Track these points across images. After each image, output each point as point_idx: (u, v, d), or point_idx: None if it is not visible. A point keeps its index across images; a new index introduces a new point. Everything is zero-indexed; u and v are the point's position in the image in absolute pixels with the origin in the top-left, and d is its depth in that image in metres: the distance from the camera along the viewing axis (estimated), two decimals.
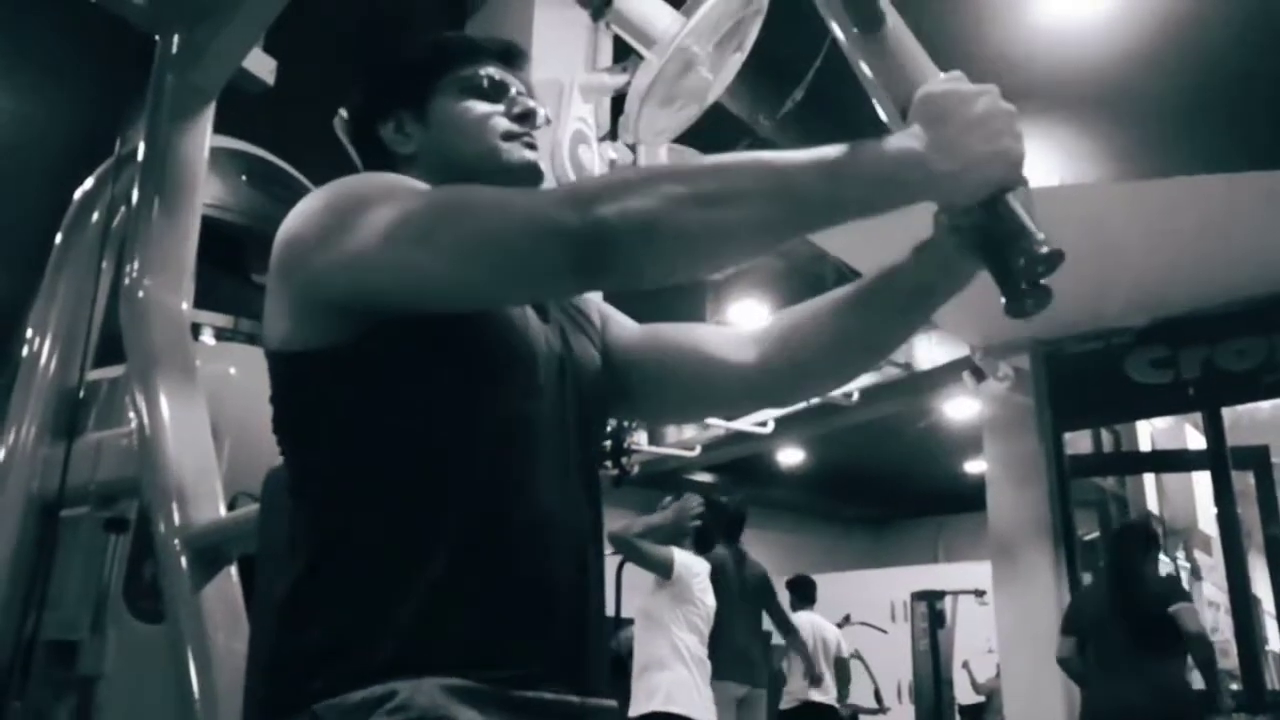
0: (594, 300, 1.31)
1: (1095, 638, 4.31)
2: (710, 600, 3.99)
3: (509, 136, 1.17)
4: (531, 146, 1.18)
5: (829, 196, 0.94)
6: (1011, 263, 0.97)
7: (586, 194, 0.92)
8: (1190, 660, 4.20)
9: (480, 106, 1.17)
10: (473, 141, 1.16)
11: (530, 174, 1.18)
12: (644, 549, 3.93)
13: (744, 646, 4.54)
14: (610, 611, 4.22)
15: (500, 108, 1.18)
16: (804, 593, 6.29)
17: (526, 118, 1.18)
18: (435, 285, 0.95)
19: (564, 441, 1.09)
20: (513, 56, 1.23)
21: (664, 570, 3.91)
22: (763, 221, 0.93)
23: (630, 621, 4.80)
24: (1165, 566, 6.69)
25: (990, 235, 0.98)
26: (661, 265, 0.94)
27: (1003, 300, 1.00)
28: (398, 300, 0.97)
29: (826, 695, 5.90)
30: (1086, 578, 5.60)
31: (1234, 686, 5.43)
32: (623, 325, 1.29)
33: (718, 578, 4.20)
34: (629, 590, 5.68)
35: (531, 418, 1.06)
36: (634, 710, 3.80)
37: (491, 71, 1.19)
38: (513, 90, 1.20)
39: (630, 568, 5.66)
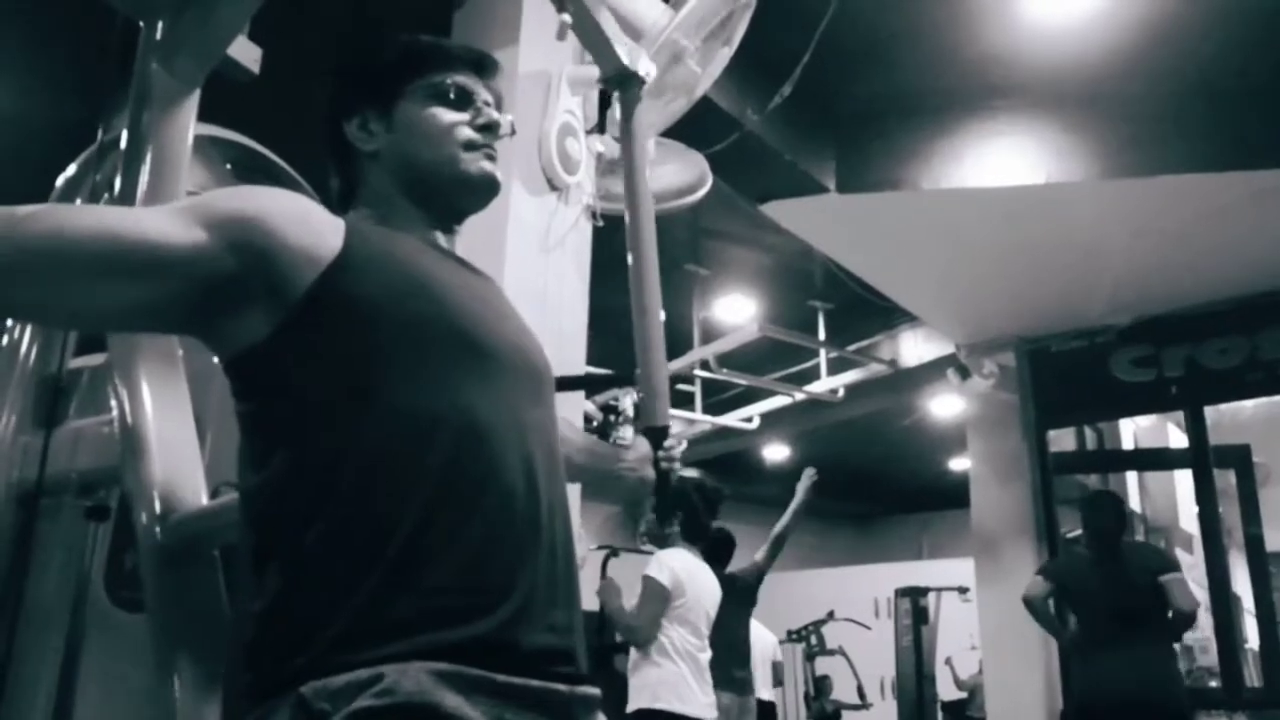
0: None
1: (1082, 612, 4.27)
2: (705, 595, 3.88)
3: (470, 146, 1.19)
4: (491, 158, 1.20)
5: None
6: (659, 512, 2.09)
7: None
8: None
9: (445, 114, 1.19)
10: (434, 148, 1.18)
11: (487, 184, 1.20)
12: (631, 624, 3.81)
13: (733, 654, 4.49)
14: (595, 607, 4.18)
15: (465, 116, 1.20)
16: None
17: (490, 129, 1.21)
18: None
19: (518, 414, 1.09)
20: (485, 67, 1.25)
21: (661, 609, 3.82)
22: None
23: None
24: None
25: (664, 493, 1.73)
26: None
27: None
28: None
29: (767, 692, 5.94)
30: None
31: (1213, 684, 5.47)
32: None
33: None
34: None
35: (479, 392, 1.06)
36: (629, 707, 3.78)
37: (460, 80, 1.21)
38: (479, 100, 1.22)
39: (614, 563, 5.65)
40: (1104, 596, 4.13)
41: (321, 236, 1.05)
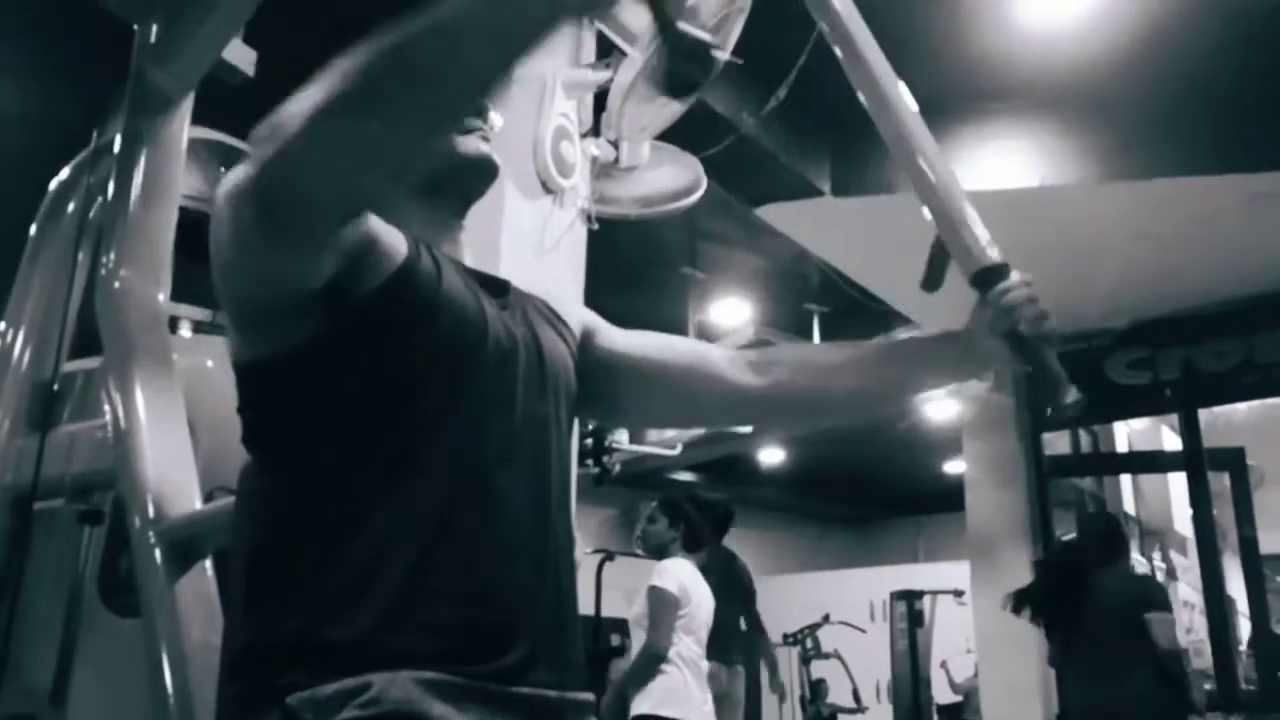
0: (577, 307, 1.32)
1: (1067, 636, 4.27)
2: (705, 603, 3.93)
3: (463, 130, 1.17)
4: (486, 139, 1.19)
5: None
6: (1046, 395, 1.17)
7: (258, 143, 0.91)
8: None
9: None
10: None
11: (485, 166, 1.19)
12: (644, 668, 3.78)
13: (725, 635, 4.53)
14: (591, 611, 4.17)
15: None
16: None
17: (479, 113, 1.19)
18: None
19: (536, 435, 1.09)
20: None
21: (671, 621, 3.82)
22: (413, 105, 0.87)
23: (615, 621, 4.77)
24: (1141, 567, 6.75)
25: (1035, 364, 1.16)
26: (332, 188, 0.90)
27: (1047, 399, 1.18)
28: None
29: None
30: None
31: (1208, 686, 5.47)
32: (613, 333, 1.31)
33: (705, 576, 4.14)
34: (609, 589, 5.68)
35: (500, 412, 1.05)
36: (633, 710, 3.79)
37: None
38: None
39: (610, 567, 5.65)
40: (1087, 626, 4.04)
41: (397, 240, 1.04)
